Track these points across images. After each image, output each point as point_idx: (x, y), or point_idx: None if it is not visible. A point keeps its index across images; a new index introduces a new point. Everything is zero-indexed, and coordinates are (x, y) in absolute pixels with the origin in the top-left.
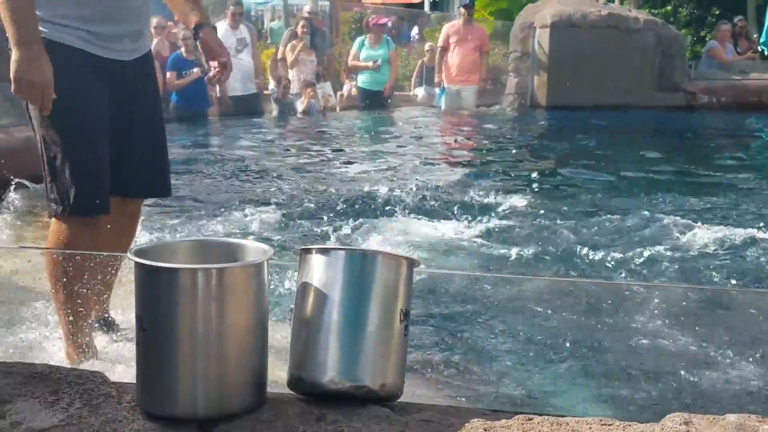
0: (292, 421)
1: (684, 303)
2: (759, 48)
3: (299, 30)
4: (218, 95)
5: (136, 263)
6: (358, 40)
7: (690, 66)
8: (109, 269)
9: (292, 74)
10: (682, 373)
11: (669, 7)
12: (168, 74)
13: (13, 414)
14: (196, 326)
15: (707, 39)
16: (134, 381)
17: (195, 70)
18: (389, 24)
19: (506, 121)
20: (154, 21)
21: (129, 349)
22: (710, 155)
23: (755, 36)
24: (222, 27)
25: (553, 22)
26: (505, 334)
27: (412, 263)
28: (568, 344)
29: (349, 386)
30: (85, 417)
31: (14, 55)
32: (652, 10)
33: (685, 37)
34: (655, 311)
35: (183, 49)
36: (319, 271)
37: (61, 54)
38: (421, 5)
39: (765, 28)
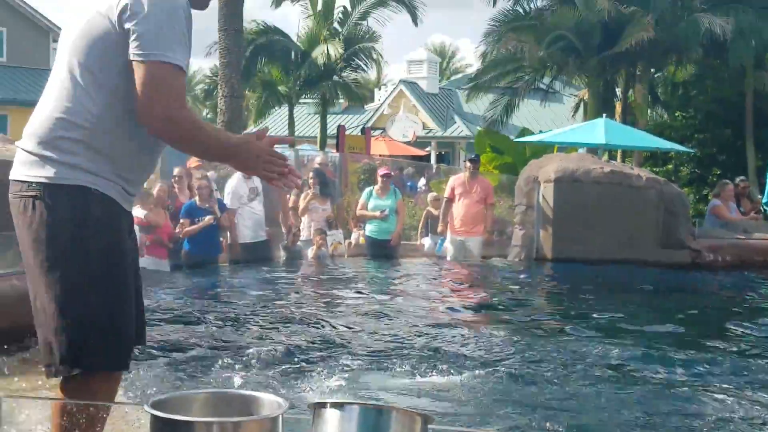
0: None
1: None
2: (762, 208)
3: (310, 180)
4: (229, 242)
5: (153, 416)
6: (367, 190)
7: (694, 224)
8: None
9: (303, 222)
10: None
11: (670, 166)
12: (182, 221)
13: None
14: None
15: (709, 198)
16: None
17: (207, 217)
18: (397, 175)
19: (511, 273)
20: (175, 170)
21: None
22: (715, 314)
23: (759, 197)
24: (235, 177)
25: (557, 177)
26: None
27: (426, 419)
28: None
29: None
30: None
31: (237, 165)
32: (653, 168)
33: (687, 195)
34: None
35: (197, 198)
36: (334, 426)
37: (109, 207)
38: (427, 158)
39: (767, 189)
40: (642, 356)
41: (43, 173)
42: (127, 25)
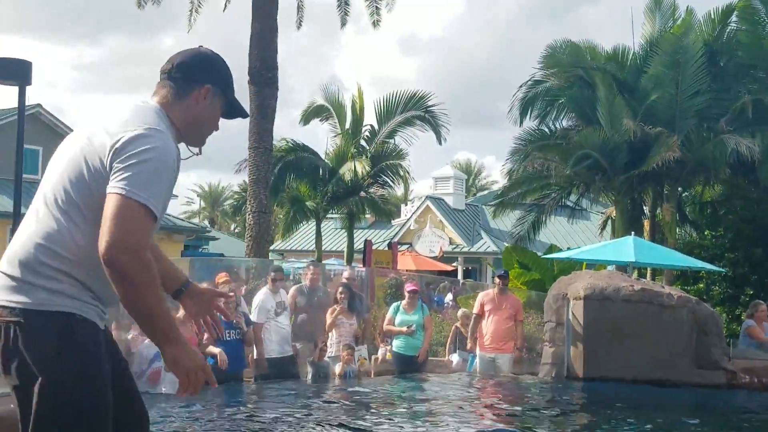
0: None
1: None
2: None
3: (338, 294)
4: (255, 357)
5: None
6: (394, 305)
7: (728, 344)
8: None
9: (331, 337)
10: None
11: (701, 285)
12: (205, 336)
13: None
14: None
15: (742, 318)
16: None
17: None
18: (425, 290)
19: (542, 391)
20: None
21: None
22: None
23: None
24: (263, 292)
25: (587, 295)
26: None
27: None
28: None
29: None
30: None
31: (170, 353)
32: (684, 287)
33: (720, 314)
34: None
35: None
36: None
37: (91, 330)
38: (454, 273)
39: None
40: None
41: (25, 299)
42: (116, 164)
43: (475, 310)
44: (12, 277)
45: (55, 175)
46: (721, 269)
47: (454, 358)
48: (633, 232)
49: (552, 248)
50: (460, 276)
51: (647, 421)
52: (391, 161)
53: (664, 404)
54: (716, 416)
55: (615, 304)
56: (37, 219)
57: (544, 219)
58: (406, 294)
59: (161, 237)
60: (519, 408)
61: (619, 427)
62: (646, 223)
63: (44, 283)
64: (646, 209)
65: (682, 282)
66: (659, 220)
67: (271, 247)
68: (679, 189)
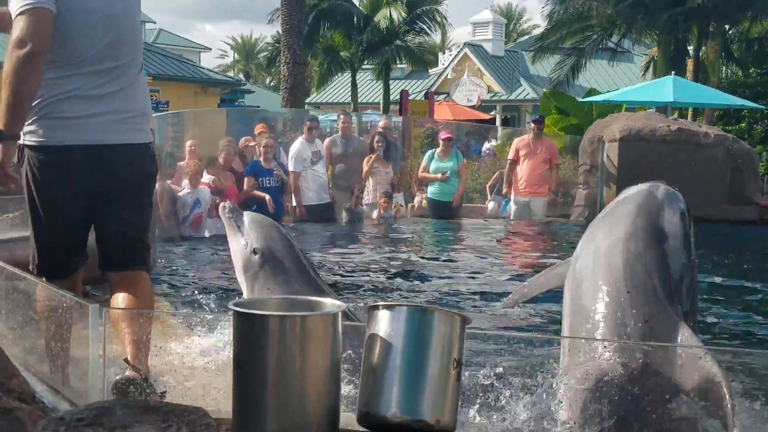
0: None
1: None
2: None
3: (374, 143)
4: (293, 204)
5: (235, 312)
6: (429, 153)
7: (763, 180)
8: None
9: (367, 185)
10: None
11: (743, 124)
12: (246, 179)
13: None
14: (281, 364)
15: None
16: (229, 416)
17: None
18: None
19: (575, 232)
20: (242, 139)
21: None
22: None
23: None
24: (299, 141)
25: (622, 137)
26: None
27: (464, 320)
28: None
29: (410, 420)
30: None
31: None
32: (726, 127)
33: (759, 152)
34: None
35: (262, 158)
36: (385, 324)
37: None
38: (492, 122)
39: None
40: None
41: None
42: None
43: (510, 155)
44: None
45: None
46: (762, 107)
47: (490, 204)
48: (674, 72)
49: (591, 92)
50: (498, 124)
51: None
52: (427, 6)
53: (699, 240)
54: (747, 251)
55: (650, 145)
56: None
57: (584, 62)
58: (441, 142)
59: (196, 91)
60: (552, 250)
61: None
62: (690, 63)
63: None
64: (690, 48)
65: (725, 122)
66: (703, 59)
67: (307, 100)
68: (726, 26)
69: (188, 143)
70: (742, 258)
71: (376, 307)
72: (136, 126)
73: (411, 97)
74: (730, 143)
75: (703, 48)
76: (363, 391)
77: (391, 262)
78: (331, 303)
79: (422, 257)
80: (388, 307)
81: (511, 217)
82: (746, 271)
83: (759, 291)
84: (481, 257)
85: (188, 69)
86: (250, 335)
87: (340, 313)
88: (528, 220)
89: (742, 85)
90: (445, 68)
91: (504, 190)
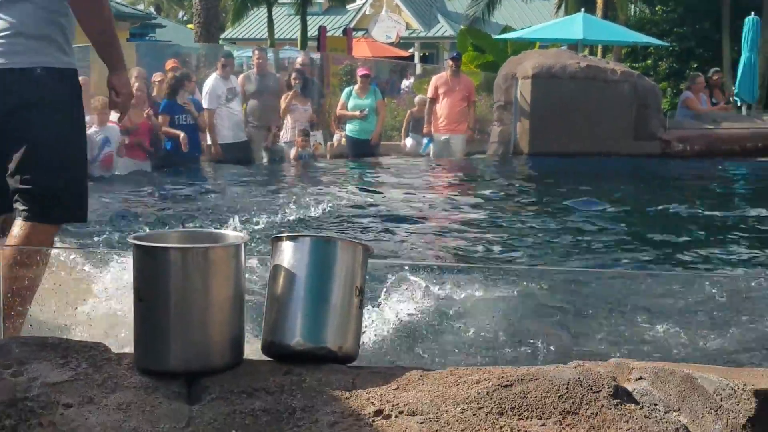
0: (264, 374)
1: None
2: (733, 99)
3: (292, 80)
4: (209, 143)
5: (135, 245)
6: (346, 90)
7: (667, 116)
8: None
9: (285, 123)
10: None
11: (649, 61)
12: (160, 118)
13: (29, 372)
14: (184, 296)
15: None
16: (131, 352)
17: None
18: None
19: (490, 168)
20: (134, 71)
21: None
22: (678, 198)
23: (732, 88)
24: (213, 77)
25: (534, 74)
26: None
27: (367, 249)
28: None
29: (313, 347)
30: (90, 374)
31: (126, 74)
32: (633, 64)
33: (664, 89)
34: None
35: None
36: (289, 254)
37: None
38: (411, 58)
39: (738, 81)
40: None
41: None
42: None
43: (429, 93)
44: None
45: None
46: (666, 44)
47: (408, 141)
48: (584, 10)
49: (506, 29)
50: (416, 61)
51: (585, 189)
52: None
53: (602, 174)
54: (648, 182)
55: (561, 82)
56: None
57: None
58: (359, 79)
59: None
60: (469, 184)
61: (558, 196)
62: (600, 1)
63: None
64: None
65: (632, 59)
66: None
67: (222, 35)
68: None
69: (94, 78)
70: (646, 188)
71: (279, 238)
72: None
73: (329, 34)
74: (636, 80)
75: None
76: (267, 321)
77: (309, 200)
78: (234, 235)
79: (341, 194)
80: (292, 238)
81: (431, 155)
82: (648, 199)
83: (658, 214)
84: (401, 194)
85: None
86: (151, 268)
87: (242, 245)
88: (448, 156)
89: (649, 22)
90: (364, 4)
91: (425, 129)
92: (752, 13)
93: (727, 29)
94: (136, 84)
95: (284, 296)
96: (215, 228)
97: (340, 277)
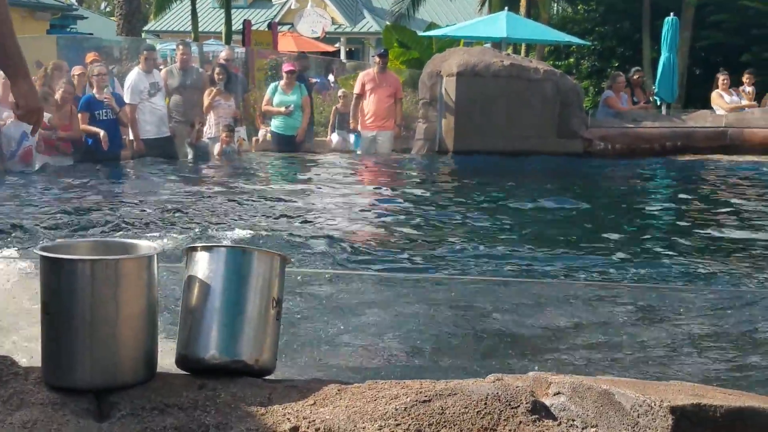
0: (178, 388)
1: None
2: (653, 98)
3: (215, 75)
4: (131, 138)
5: (42, 257)
6: (272, 85)
7: (588, 114)
8: None
9: (209, 119)
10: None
11: (572, 60)
12: (80, 115)
13: None
14: (93, 310)
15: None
16: (38, 365)
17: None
18: (305, 72)
19: (415, 165)
20: (75, 68)
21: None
22: (597, 197)
23: (653, 87)
24: (135, 72)
25: (459, 71)
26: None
27: (284, 259)
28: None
29: (228, 360)
30: None
31: (28, 85)
32: (556, 62)
33: (586, 87)
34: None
35: (95, 90)
36: (204, 265)
37: None
38: (337, 54)
39: (658, 80)
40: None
41: None
42: None
43: (356, 90)
44: None
45: None
46: (588, 43)
47: (334, 137)
48: (507, 8)
49: (431, 26)
50: (342, 57)
51: (507, 186)
52: None
53: (525, 172)
54: (570, 179)
55: (485, 80)
56: None
57: None
58: (284, 74)
59: (23, 15)
60: (393, 182)
61: (480, 193)
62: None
63: None
64: None
65: (555, 57)
66: None
67: (145, 27)
68: None
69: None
70: (568, 184)
71: (194, 249)
72: None
73: (254, 27)
74: (558, 78)
75: None
76: (181, 334)
77: (230, 198)
78: (146, 245)
79: (264, 191)
80: (207, 248)
81: (358, 152)
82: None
83: (580, 209)
84: (326, 191)
85: None
86: (59, 281)
87: (155, 256)
88: (375, 153)
89: (571, 21)
90: None
91: (351, 125)
92: (671, 13)
93: (647, 29)
94: (63, 80)
95: (198, 308)
96: (128, 235)
97: (256, 289)
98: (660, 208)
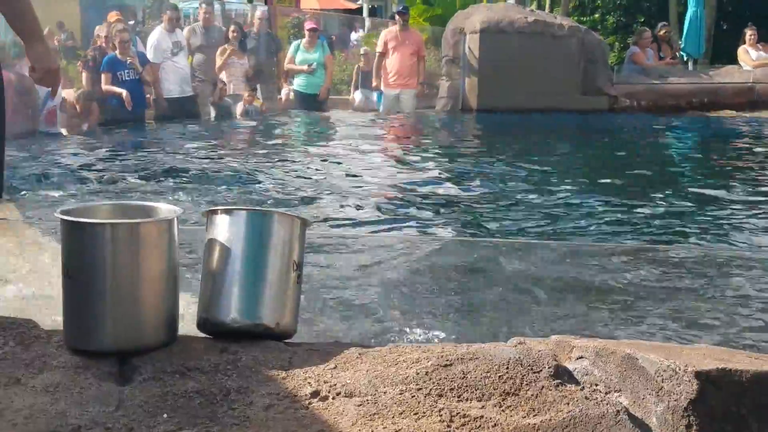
0: (199, 352)
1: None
2: (679, 54)
3: (230, 33)
4: (154, 97)
5: (63, 220)
6: (294, 44)
7: (614, 70)
8: None
9: (224, 77)
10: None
11: (597, 15)
12: (103, 75)
13: None
14: (115, 273)
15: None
16: (61, 328)
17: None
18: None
19: (440, 123)
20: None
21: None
22: (624, 152)
23: (679, 42)
24: (158, 31)
25: (482, 28)
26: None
27: (304, 222)
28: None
29: (249, 324)
30: (18, 353)
31: (43, 47)
32: (581, 18)
33: (611, 43)
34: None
35: (117, 51)
36: (224, 228)
37: None
38: (359, 11)
39: (684, 35)
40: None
41: None
42: None
43: (379, 48)
44: None
45: None
46: None
47: (357, 95)
48: None
49: None
50: (365, 14)
51: (530, 143)
52: None
53: (549, 129)
54: (596, 135)
55: (509, 36)
56: None
57: None
58: (306, 32)
59: None
60: (420, 140)
61: (506, 151)
62: None
63: None
64: None
65: (580, 13)
66: None
67: None
68: None
69: (47, 29)
70: (590, 143)
71: (214, 212)
72: None
73: None
74: (583, 34)
75: None
76: (202, 297)
77: (254, 159)
78: (167, 208)
79: (289, 152)
80: (227, 212)
81: (381, 110)
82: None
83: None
84: (350, 151)
85: None
86: (80, 244)
87: (175, 219)
88: (398, 112)
89: None
90: None
91: (374, 83)
92: None
93: None
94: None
95: (219, 271)
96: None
97: (276, 252)
98: (689, 165)
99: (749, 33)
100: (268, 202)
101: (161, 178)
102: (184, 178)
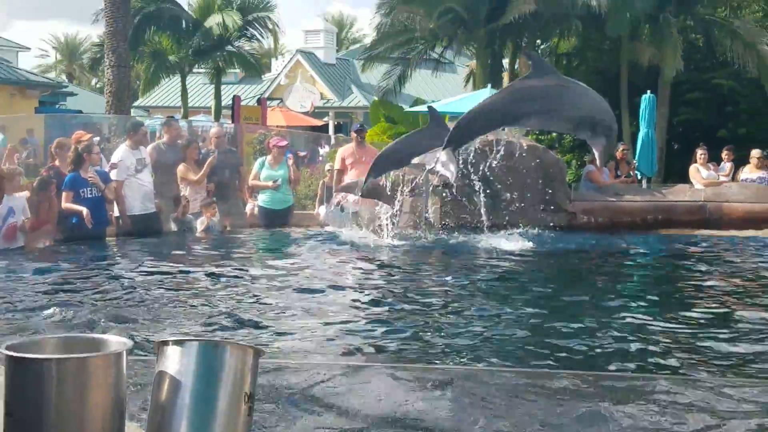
0: None
1: None
2: (634, 172)
3: (189, 152)
4: (117, 215)
5: (7, 356)
6: (259, 160)
7: (571, 188)
8: None
9: (189, 194)
10: None
11: (554, 134)
12: (64, 194)
13: None
14: (60, 411)
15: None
16: None
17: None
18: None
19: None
20: (56, 141)
21: None
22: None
23: (634, 161)
24: (122, 149)
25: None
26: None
27: (257, 353)
28: None
29: None
30: None
31: None
32: (540, 137)
33: (568, 161)
34: None
35: (82, 169)
36: (175, 360)
37: None
38: (325, 128)
39: (638, 155)
40: None
41: None
42: None
43: (337, 165)
44: None
45: None
46: None
47: (322, 210)
48: (490, 85)
49: (417, 101)
50: (331, 131)
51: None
52: (259, 13)
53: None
54: (554, 257)
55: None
56: None
57: (409, 72)
58: (273, 149)
59: (13, 93)
60: (376, 260)
61: (469, 274)
62: (506, 76)
63: None
64: (505, 62)
65: (539, 131)
66: (517, 73)
67: (135, 103)
68: (538, 41)
69: (9, 148)
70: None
71: (165, 343)
72: None
73: (244, 103)
74: (541, 153)
75: (518, 61)
76: (150, 430)
77: (214, 277)
78: (116, 340)
79: (245, 272)
80: (178, 343)
81: (339, 226)
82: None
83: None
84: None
85: (3, 70)
86: (24, 381)
87: (125, 352)
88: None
89: None
90: (278, 74)
91: (335, 199)
92: (648, 91)
93: (625, 106)
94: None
95: (169, 405)
96: (97, 330)
97: (227, 384)
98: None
99: (700, 152)
100: (222, 325)
101: (113, 304)
102: (139, 302)
